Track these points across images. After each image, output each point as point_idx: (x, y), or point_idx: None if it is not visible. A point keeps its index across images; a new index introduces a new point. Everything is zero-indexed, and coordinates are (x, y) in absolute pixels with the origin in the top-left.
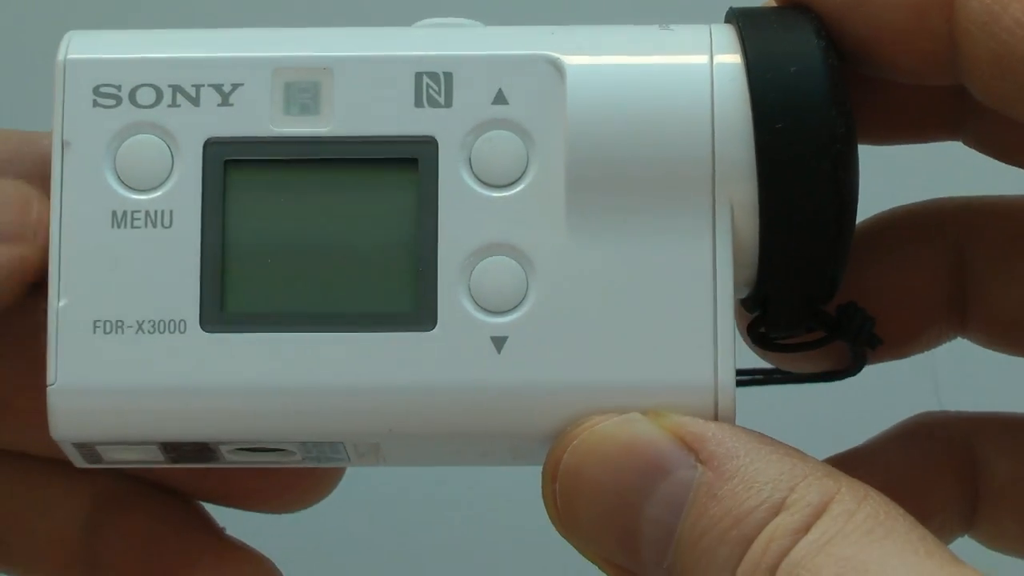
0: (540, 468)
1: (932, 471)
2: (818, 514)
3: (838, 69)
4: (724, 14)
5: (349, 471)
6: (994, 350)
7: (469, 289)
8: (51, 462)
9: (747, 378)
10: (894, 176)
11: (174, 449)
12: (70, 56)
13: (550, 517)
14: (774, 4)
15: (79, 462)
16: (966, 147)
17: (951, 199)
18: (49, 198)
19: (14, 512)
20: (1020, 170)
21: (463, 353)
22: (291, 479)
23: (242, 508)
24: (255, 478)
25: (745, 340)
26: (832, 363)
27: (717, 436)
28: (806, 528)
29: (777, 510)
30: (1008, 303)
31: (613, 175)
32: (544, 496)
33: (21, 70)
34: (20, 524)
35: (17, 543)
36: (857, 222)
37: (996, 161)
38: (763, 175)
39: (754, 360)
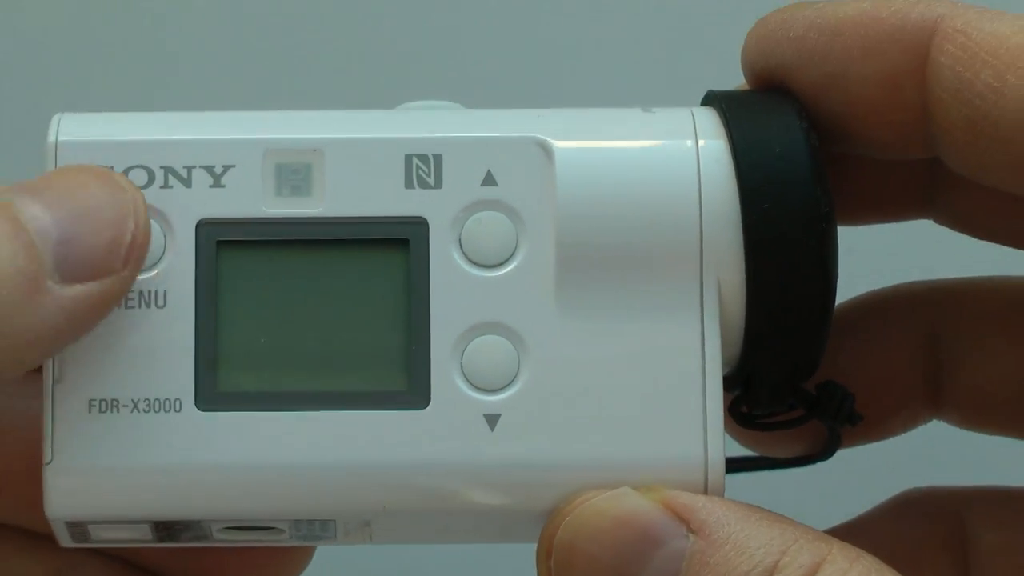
0: (525, 545)
1: (922, 545)
2: (811, 575)
3: (818, 149)
4: (696, 97)
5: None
6: (969, 430)
7: (462, 368)
8: (17, 529)
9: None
10: (863, 260)
11: (165, 528)
12: (61, 138)
13: None
14: (748, 87)
15: (66, 541)
16: (937, 227)
17: (920, 282)
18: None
19: None
20: (984, 253)
21: (456, 431)
22: (263, 558)
23: None
24: (228, 557)
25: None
26: (810, 447)
27: (707, 506)
28: None
29: (769, 574)
30: (981, 383)
31: (602, 255)
32: (539, 574)
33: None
34: None
35: None
36: None
37: (962, 244)
38: (750, 254)
39: (735, 449)
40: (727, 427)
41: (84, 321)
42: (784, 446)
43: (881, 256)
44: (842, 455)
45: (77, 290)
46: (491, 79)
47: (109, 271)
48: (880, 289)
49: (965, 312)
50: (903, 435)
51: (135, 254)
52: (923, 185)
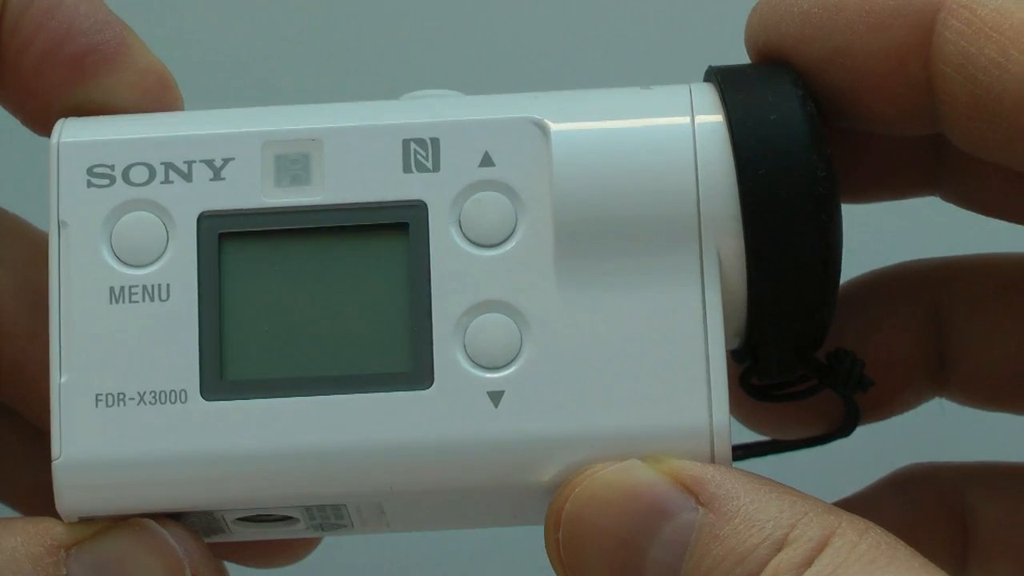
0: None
1: (923, 520)
2: (820, 548)
3: (816, 116)
4: (702, 74)
5: None
6: (973, 407)
7: (464, 346)
8: (27, 427)
9: (743, 452)
10: (871, 238)
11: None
12: (64, 140)
13: (553, 566)
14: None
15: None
16: (944, 203)
17: (924, 260)
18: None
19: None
20: (992, 230)
21: (461, 409)
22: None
23: (230, 561)
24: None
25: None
26: (819, 427)
27: (716, 478)
28: (809, 562)
29: (779, 547)
30: (984, 360)
31: (600, 231)
32: (547, 546)
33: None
34: (3, 472)
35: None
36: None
37: (970, 220)
38: (748, 220)
39: (748, 436)
40: (735, 408)
41: None
42: (793, 427)
43: (888, 234)
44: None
45: None
46: (490, 67)
47: None
48: (884, 267)
49: (969, 289)
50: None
51: None
52: (929, 162)
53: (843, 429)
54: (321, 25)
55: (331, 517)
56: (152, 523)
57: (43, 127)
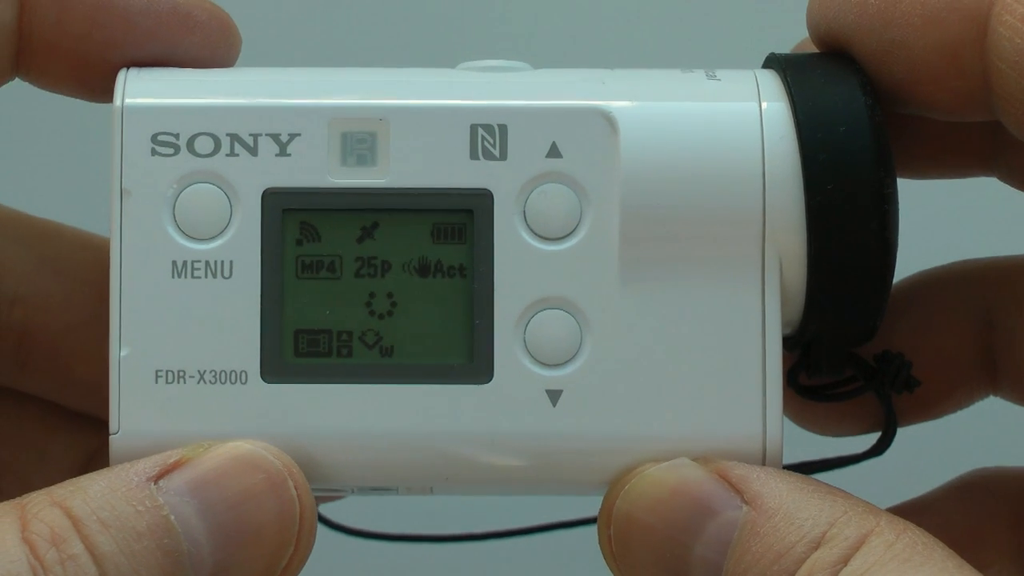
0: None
1: (988, 523)
2: (857, 547)
3: (884, 128)
4: (750, 56)
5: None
6: None
7: (525, 342)
8: (57, 413)
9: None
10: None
11: None
12: (128, 101)
13: (606, 561)
14: (809, 48)
15: None
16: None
17: (975, 260)
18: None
19: (10, 455)
20: None
21: (519, 406)
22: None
23: None
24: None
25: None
26: (868, 426)
27: (761, 477)
28: (845, 561)
29: (817, 545)
30: None
31: (666, 228)
32: (600, 542)
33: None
34: (14, 468)
35: (7, 486)
36: None
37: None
38: (812, 231)
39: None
40: (785, 407)
41: None
42: (842, 424)
43: (942, 227)
44: (908, 436)
45: None
46: (551, 34)
47: None
48: (935, 268)
49: (1020, 288)
50: (970, 418)
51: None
52: (986, 143)
53: (878, 446)
54: None
55: (380, 490)
56: (245, 442)
57: (100, 95)
